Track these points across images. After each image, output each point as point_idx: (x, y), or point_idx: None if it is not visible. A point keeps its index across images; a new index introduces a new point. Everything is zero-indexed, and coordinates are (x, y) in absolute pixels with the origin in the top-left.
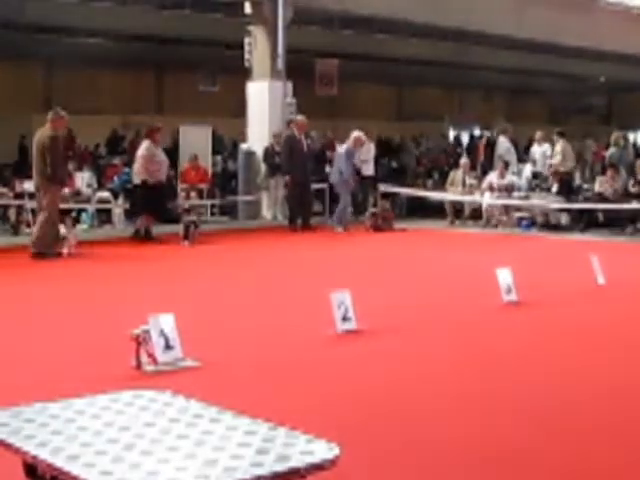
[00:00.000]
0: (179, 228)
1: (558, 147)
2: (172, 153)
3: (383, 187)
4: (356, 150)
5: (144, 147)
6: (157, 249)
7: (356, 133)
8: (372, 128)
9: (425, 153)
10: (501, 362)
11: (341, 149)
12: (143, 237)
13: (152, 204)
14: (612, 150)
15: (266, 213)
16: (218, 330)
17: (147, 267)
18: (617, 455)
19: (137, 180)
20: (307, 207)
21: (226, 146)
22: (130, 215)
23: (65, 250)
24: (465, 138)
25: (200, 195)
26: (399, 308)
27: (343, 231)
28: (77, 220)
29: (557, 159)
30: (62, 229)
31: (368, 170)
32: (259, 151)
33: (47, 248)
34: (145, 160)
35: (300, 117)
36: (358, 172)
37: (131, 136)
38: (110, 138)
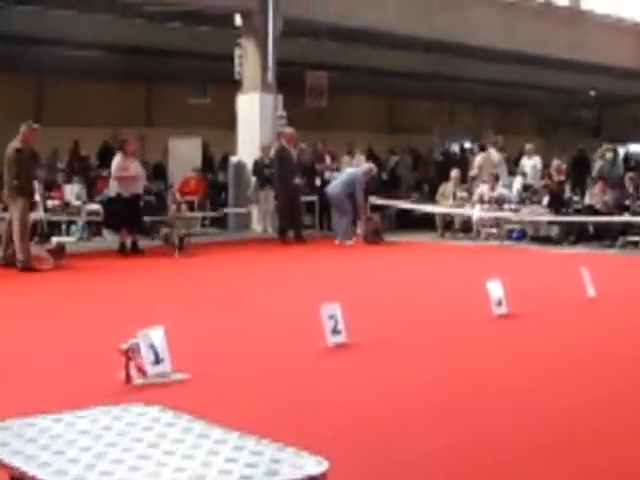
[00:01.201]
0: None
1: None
2: (161, 165)
3: (374, 200)
4: (365, 180)
5: (115, 160)
6: (145, 262)
7: (370, 165)
8: (362, 140)
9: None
10: (491, 376)
11: (357, 172)
12: (129, 250)
13: (127, 217)
14: (600, 163)
15: (256, 225)
16: (208, 343)
17: (136, 280)
18: (610, 462)
19: (112, 193)
20: (298, 219)
21: (215, 158)
22: (108, 228)
23: (45, 266)
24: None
25: (191, 207)
26: (390, 321)
27: (352, 243)
28: (67, 232)
29: (473, 172)
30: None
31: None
32: (249, 163)
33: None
34: (116, 173)
35: (288, 129)
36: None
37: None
38: (101, 150)
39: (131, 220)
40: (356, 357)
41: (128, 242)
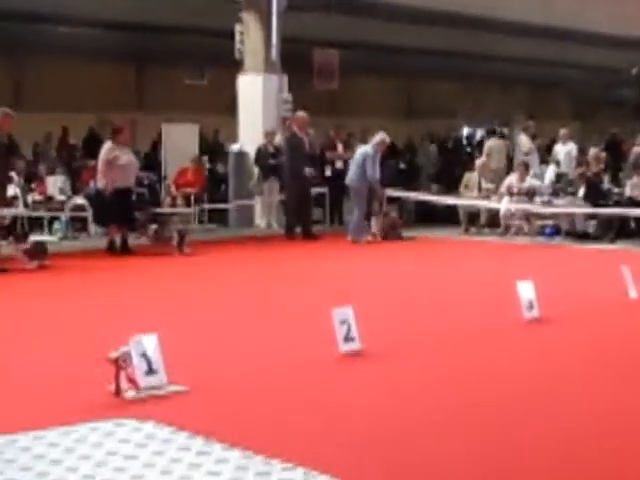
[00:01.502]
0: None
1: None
2: (153, 154)
3: (390, 191)
4: (379, 153)
5: (104, 149)
6: (137, 262)
7: (381, 135)
8: (377, 126)
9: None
10: (520, 386)
11: (366, 148)
12: (119, 249)
13: (115, 212)
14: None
15: (259, 221)
16: (207, 352)
17: (127, 282)
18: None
19: (99, 185)
20: (307, 214)
21: (213, 146)
22: (98, 223)
23: (28, 266)
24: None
25: (188, 201)
26: (408, 326)
27: (364, 241)
28: (50, 229)
29: (481, 160)
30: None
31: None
32: (251, 152)
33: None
34: (103, 164)
35: (300, 113)
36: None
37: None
38: (87, 138)
39: (121, 216)
40: (371, 365)
41: (118, 240)
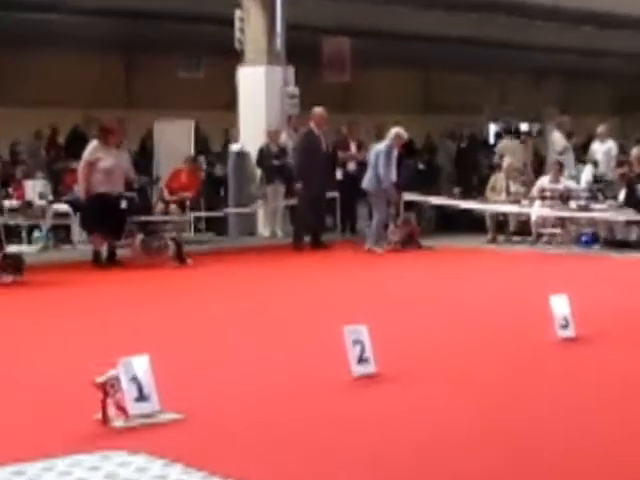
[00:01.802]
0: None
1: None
2: (144, 155)
3: (407, 195)
4: (395, 150)
5: (87, 149)
6: (125, 275)
7: (397, 129)
8: (393, 123)
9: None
10: (553, 415)
11: (379, 146)
12: (106, 261)
13: (98, 221)
14: None
15: (263, 229)
16: (205, 374)
17: (114, 297)
18: None
19: (82, 192)
20: (320, 221)
21: (211, 146)
22: (85, 229)
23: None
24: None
25: (182, 207)
26: (429, 346)
27: (382, 252)
28: (29, 239)
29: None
30: None
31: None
32: (253, 152)
33: None
34: (83, 165)
35: (319, 109)
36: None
37: (94, 134)
38: (70, 137)
39: (105, 224)
40: (388, 390)
41: (104, 250)
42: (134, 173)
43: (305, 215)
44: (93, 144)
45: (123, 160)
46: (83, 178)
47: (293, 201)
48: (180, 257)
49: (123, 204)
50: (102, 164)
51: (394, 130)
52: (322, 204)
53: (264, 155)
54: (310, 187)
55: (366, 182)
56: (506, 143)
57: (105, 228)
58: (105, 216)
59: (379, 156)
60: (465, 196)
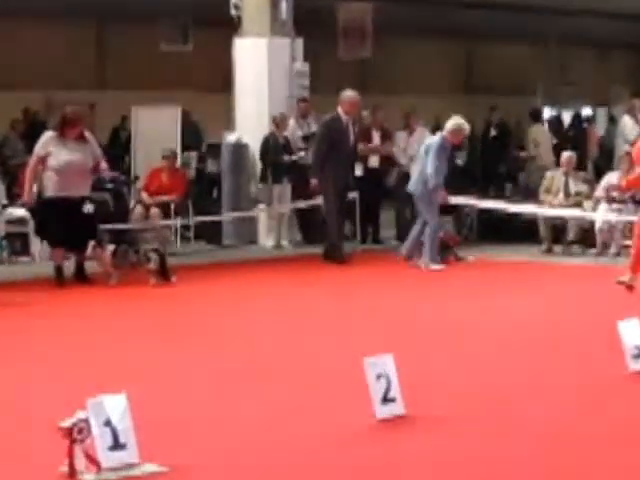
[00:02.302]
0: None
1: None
2: (114, 147)
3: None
4: (449, 146)
5: (39, 142)
6: (93, 295)
7: (457, 120)
8: (425, 107)
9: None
10: (627, 467)
11: (431, 140)
12: (73, 278)
13: (57, 229)
14: None
15: (265, 238)
16: (195, 418)
17: (81, 322)
18: None
19: (49, 192)
20: (340, 227)
21: (203, 136)
22: (43, 239)
23: None
24: (567, 119)
25: (166, 212)
26: (470, 382)
27: (442, 269)
28: None
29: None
30: None
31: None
32: (254, 144)
33: None
34: (32, 162)
35: (350, 93)
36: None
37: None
38: (27, 126)
39: (63, 235)
40: (419, 438)
41: (69, 265)
42: (106, 164)
43: (335, 219)
44: (47, 135)
45: (85, 155)
46: (28, 176)
47: (303, 204)
48: (163, 273)
49: (87, 208)
50: (53, 161)
51: (454, 121)
52: (342, 207)
53: (270, 148)
54: (337, 185)
55: (413, 184)
56: (537, 130)
57: (65, 239)
58: (63, 224)
59: (429, 151)
60: (515, 198)
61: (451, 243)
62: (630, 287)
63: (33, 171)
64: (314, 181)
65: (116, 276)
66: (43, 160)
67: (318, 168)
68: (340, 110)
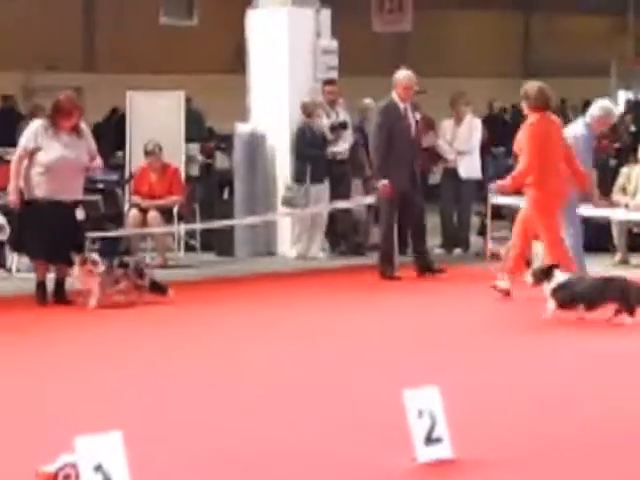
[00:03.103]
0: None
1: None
2: (103, 140)
3: (497, 198)
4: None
5: (26, 133)
6: (78, 315)
7: (603, 104)
8: (476, 91)
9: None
10: None
11: (577, 127)
12: (56, 295)
13: (41, 238)
14: None
15: (289, 248)
16: (200, 461)
17: (65, 348)
18: None
19: (11, 194)
20: (421, 232)
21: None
22: (16, 250)
23: None
24: None
25: (167, 217)
26: (530, 420)
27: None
28: None
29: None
30: None
31: (470, 168)
32: (272, 135)
33: None
34: (20, 157)
35: (405, 73)
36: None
37: (36, 111)
38: (1, 114)
39: (54, 244)
40: None
41: (49, 282)
42: (101, 161)
43: (391, 225)
44: (37, 125)
45: (80, 151)
46: (15, 174)
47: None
48: (157, 289)
49: (79, 214)
50: (43, 156)
51: (601, 105)
52: (418, 208)
53: (306, 141)
54: (397, 183)
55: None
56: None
57: (48, 249)
58: (48, 232)
59: (577, 141)
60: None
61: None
62: (507, 293)
63: (18, 166)
64: (382, 182)
65: (97, 296)
66: (31, 154)
67: (384, 165)
68: (394, 94)
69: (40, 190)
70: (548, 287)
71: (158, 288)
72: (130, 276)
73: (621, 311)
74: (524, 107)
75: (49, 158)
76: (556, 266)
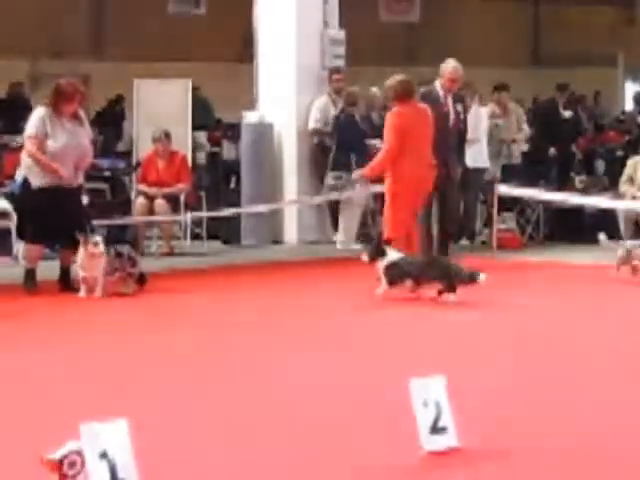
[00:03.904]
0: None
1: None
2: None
3: (504, 189)
4: None
5: (32, 120)
6: (75, 303)
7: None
8: (484, 81)
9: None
10: None
11: None
12: (59, 283)
13: (44, 224)
14: None
15: (340, 238)
16: (210, 450)
17: (72, 337)
18: None
19: (19, 179)
20: (468, 220)
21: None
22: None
23: None
24: None
25: (174, 205)
26: (534, 408)
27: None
28: None
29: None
30: None
31: (477, 157)
32: (279, 124)
33: None
34: (35, 144)
35: (452, 63)
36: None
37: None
38: (8, 100)
39: (58, 230)
40: (473, 476)
41: (49, 270)
42: (92, 155)
43: (430, 216)
44: (40, 111)
45: (83, 137)
46: (41, 158)
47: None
48: (141, 281)
49: (83, 198)
50: (50, 144)
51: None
52: (451, 201)
53: (345, 128)
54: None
55: None
56: None
57: (50, 234)
58: (50, 218)
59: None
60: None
61: (514, 243)
62: None
63: (41, 151)
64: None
65: (102, 285)
66: (41, 142)
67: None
68: (437, 84)
69: (44, 177)
70: (381, 265)
71: (143, 278)
72: (125, 265)
73: (444, 290)
74: (389, 102)
75: (56, 145)
76: (388, 244)
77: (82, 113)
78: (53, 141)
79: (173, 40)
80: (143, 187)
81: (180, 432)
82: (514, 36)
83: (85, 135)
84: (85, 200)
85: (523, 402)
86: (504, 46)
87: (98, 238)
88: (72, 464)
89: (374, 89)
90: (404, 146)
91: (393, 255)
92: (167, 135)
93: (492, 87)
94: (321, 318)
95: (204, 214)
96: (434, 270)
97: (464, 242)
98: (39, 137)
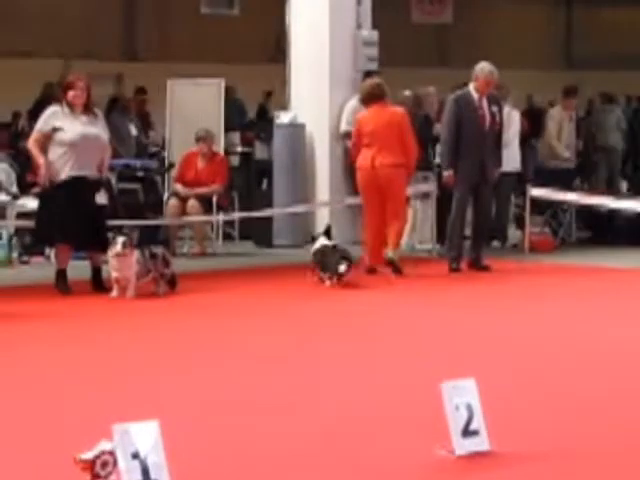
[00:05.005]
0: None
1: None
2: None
3: (536, 191)
4: None
5: (45, 115)
6: (109, 304)
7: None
8: (517, 83)
9: None
10: None
11: None
12: (92, 284)
13: (65, 222)
14: None
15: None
16: (241, 451)
17: (103, 336)
18: None
19: (43, 169)
20: (479, 229)
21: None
22: (40, 242)
23: None
24: None
25: (206, 206)
26: (568, 412)
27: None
28: None
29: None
30: None
31: (509, 160)
32: (312, 125)
33: None
34: (35, 142)
35: (486, 66)
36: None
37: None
38: (40, 101)
39: (81, 228)
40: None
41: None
42: (110, 151)
43: (461, 218)
44: (50, 110)
45: (100, 129)
46: (37, 151)
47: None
48: (172, 282)
49: (100, 197)
50: (63, 135)
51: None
52: (485, 202)
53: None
54: (466, 176)
55: None
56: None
57: (76, 232)
58: (74, 213)
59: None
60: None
61: (546, 246)
62: None
63: (35, 145)
64: (447, 173)
65: (134, 285)
66: (50, 138)
67: (451, 156)
68: (472, 87)
69: (64, 171)
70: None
71: (173, 279)
72: (158, 266)
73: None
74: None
75: (70, 136)
76: (327, 233)
77: (98, 112)
78: (65, 133)
79: (206, 41)
80: (178, 187)
81: (212, 433)
82: (547, 39)
83: (102, 128)
84: (103, 199)
85: (553, 405)
86: (537, 48)
87: (121, 238)
88: (104, 464)
89: (407, 92)
90: (360, 144)
91: (322, 242)
92: (211, 135)
93: (563, 91)
94: (353, 318)
95: (236, 215)
96: (339, 255)
97: (495, 244)
98: (42, 132)
